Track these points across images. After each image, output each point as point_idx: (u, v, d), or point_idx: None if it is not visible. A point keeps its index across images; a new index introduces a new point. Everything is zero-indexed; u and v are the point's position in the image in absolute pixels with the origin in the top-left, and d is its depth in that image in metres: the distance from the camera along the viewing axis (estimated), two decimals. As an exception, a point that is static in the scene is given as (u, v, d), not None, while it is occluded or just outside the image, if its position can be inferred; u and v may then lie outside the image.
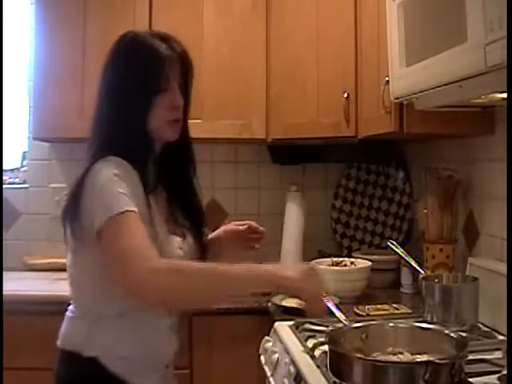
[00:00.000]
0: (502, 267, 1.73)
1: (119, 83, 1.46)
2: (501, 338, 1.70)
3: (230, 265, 1.36)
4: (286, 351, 1.65)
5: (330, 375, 1.33)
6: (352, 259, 2.35)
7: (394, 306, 2.06)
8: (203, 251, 1.61)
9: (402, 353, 1.39)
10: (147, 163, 1.46)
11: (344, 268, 2.27)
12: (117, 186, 1.35)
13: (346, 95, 2.29)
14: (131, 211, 1.34)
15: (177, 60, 1.51)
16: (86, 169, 1.39)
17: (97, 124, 1.48)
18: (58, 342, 1.49)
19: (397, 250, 2.03)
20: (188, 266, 1.38)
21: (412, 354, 1.38)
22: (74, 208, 1.38)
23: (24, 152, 2.91)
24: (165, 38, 1.51)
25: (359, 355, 1.31)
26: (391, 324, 1.49)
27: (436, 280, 1.86)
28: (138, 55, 1.48)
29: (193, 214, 1.60)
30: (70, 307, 1.51)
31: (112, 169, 1.37)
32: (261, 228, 1.79)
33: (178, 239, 1.51)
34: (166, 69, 1.46)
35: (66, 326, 1.50)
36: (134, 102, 1.44)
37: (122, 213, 1.32)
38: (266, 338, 1.84)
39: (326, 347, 1.42)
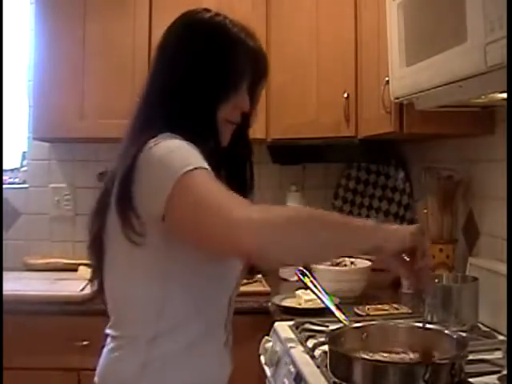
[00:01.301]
0: (502, 267, 1.73)
1: (190, 70, 1.23)
2: (501, 338, 1.70)
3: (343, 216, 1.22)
4: (286, 351, 1.65)
5: (330, 375, 1.33)
6: (352, 259, 2.35)
7: (394, 306, 2.06)
8: None
9: (401, 353, 1.39)
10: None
11: (344, 268, 2.27)
12: (184, 150, 1.13)
13: (346, 95, 2.29)
14: (206, 168, 1.10)
15: (254, 57, 1.29)
16: (137, 150, 1.14)
17: (150, 109, 1.24)
18: (96, 380, 1.25)
19: (397, 250, 2.02)
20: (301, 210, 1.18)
21: (412, 354, 1.38)
22: (125, 196, 1.12)
23: (24, 152, 2.91)
24: (245, 29, 1.30)
25: (359, 355, 1.31)
26: (391, 324, 1.50)
27: (436, 280, 1.86)
28: (219, 42, 1.26)
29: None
30: (111, 333, 1.25)
31: (175, 139, 1.15)
32: None
33: None
34: (244, 65, 1.26)
35: (109, 358, 1.23)
36: (203, 93, 1.23)
37: (195, 169, 1.08)
38: (266, 337, 1.84)
39: (326, 347, 1.42)
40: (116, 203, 1.15)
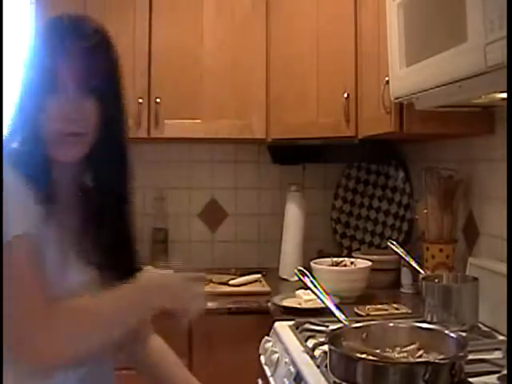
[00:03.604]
0: (502, 267, 1.73)
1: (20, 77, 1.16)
2: (501, 338, 1.70)
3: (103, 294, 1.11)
4: (286, 351, 1.65)
5: (330, 375, 1.33)
6: (352, 259, 2.35)
7: (394, 305, 2.06)
8: None
9: (401, 352, 1.39)
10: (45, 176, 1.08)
11: (344, 268, 2.27)
12: (15, 193, 1.03)
13: (346, 95, 2.29)
14: (22, 237, 1.03)
15: (79, 47, 1.08)
16: None
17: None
18: None
19: (397, 250, 2.03)
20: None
21: (412, 354, 1.38)
22: None
23: (24, 152, 2.91)
24: (72, 18, 1.12)
25: (359, 355, 1.31)
26: (391, 324, 1.50)
27: (436, 280, 1.86)
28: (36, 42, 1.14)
29: (114, 250, 1.18)
30: None
31: (10, 169, 1.05)
32: None
33: (78, 276, 1.14)
34: (53, 56, 1.08)
35: None
36: (24, 103, 1.12)
37: (14, 238, 1.02)
38: (266, 337, 1.84)
39: (326, 347, 1.42)
40: None
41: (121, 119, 1.18)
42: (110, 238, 1.18)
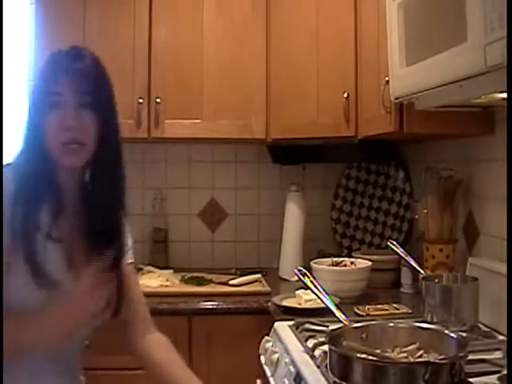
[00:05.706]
0: (502, 267, 1.73)
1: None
2: (501, 338, 1.70)
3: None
4: (286, 351, 1.65)
5: (330, 375, 1.33)
6: (352, 259, 2.35)
7: (394, 305, 2.06)
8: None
9: (401, 353, 1.39)
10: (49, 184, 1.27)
11: (344, 268, 2.27)
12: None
13: (345, 95, 2.29)
14: None
15: (73, 69, 1.29)
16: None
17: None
18: None
19: (397, 250, 2.03)
20: None
21: (412, 354, 1.38)
22: None
23: (24, 152, 2.91)
24: (68, 51, 1.37)
25: (359, 355, 1.31)
26: (391, 324, 1.50)
27: (436, 280, 1.86)
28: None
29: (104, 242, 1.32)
30: None
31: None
32: None
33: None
34: (54, 79, 1.28)
35: None
36: (29, 119, 1.31)
37: None
38: (266, 338, 1.84)
39: (326, 347, 1.42)
40: None
41: (115, 129, 1.34)
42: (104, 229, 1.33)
